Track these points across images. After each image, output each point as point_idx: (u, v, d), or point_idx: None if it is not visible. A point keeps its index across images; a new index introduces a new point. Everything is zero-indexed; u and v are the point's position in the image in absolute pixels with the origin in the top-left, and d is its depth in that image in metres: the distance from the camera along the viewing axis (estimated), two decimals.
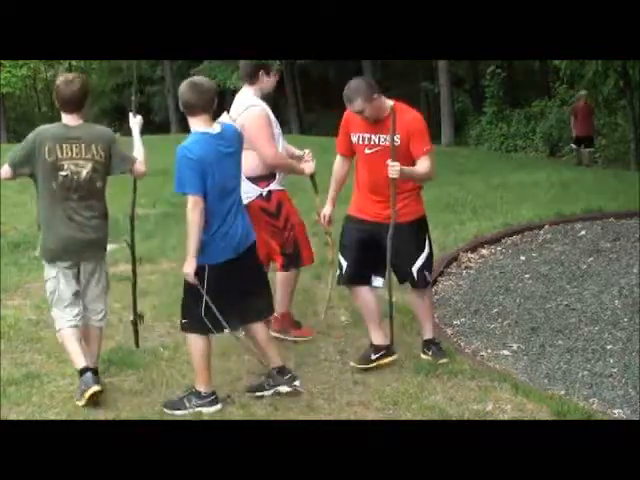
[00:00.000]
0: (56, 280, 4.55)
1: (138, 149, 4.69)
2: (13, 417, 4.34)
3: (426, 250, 5.00)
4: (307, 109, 31.92)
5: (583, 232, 7.94)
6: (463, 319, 5.95)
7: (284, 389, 4.52)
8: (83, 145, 4.40)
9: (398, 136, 4.64)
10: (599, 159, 15.75)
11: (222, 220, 4.28)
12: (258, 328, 4.55)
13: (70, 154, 4.38)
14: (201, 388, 4.41)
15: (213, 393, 4.43)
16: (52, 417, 4.35)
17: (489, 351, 5.36)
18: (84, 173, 4.41)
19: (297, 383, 4.55)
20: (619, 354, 5.17)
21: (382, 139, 4.74)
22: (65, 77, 4.51)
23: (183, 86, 4.24)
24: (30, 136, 4.46)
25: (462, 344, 5.49)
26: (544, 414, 4.24)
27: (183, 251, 7.56)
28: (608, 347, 5.29)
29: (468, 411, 4.30)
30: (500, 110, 23.93)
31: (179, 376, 4.86)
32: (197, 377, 4.45)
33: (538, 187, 10.72)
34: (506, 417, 4.24)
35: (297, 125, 29.89)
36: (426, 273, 4.99)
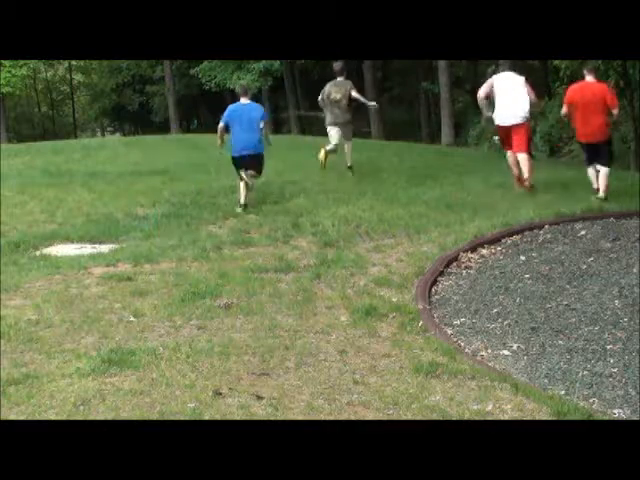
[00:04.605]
0: None
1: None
2: (13, 417, 4.34)
3: None
4: (307, 109, 31.91)
5: (583, 232, 7.94)
6: (463, 319, 5.95)
7: None
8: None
9: None
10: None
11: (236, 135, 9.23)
12: None
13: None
14: None
15: None
16: (52, 417, 4.34)
17: (489, 351, 5.36)
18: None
19: None
20: (619, 354, 5.17)
21: None
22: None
23: None
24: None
25: (462, 344, 5.49)
26: (544, 414, 4.24)
27: (183, 251, 7.65)
28: (608, 347, 5.29)
29: (468, 411, 4.30)
30: None
31: (179, 376, 4.86)
32: None
33: (538, 187, 10.72)
34: (506, 417, 4.24)
35: (297, 125, 29.90)
36: None
